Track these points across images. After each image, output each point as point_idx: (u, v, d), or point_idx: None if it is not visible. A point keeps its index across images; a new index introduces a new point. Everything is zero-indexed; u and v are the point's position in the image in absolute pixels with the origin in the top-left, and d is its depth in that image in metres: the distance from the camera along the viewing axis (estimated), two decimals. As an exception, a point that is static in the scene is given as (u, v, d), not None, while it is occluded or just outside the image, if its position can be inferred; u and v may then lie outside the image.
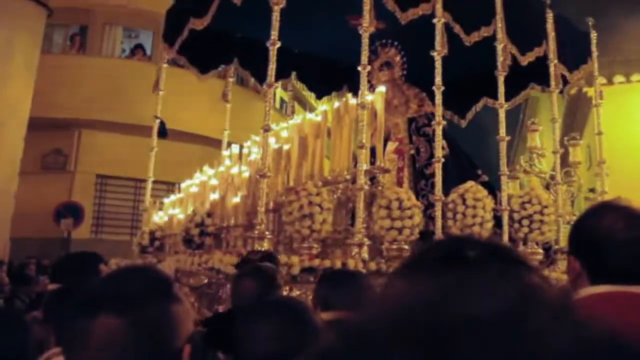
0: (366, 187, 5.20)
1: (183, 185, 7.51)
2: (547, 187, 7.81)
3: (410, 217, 5.13)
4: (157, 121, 7.85)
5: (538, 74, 7.52)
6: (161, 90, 7.84)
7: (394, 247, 5.21)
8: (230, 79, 8.90)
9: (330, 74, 8.50)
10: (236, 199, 5.34)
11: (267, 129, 5.07)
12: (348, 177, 5.36)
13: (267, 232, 4.82)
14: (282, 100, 15.52)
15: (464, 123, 9.09)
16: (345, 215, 5.54)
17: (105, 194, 13.55)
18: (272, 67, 5.22)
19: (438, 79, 5.94)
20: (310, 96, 10.52)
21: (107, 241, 12.62)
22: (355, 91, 6.24)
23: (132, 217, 13.12)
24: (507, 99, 8.44)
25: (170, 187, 10.12)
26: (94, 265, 3.40)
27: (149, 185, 7.83)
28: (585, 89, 11.84)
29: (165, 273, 1.39)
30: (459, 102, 8.91)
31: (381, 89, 5.78)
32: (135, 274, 1.32)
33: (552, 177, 7.72)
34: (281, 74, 8.98)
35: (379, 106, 5.52)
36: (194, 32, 6.83)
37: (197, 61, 8.10)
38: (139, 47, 14.53)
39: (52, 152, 13.12)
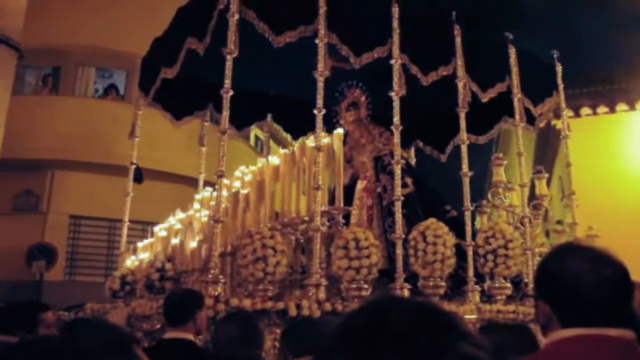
0: (323, 228, 5.23)
1: (156, 228, 7.53)
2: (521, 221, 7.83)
3: (368, 257, 5.14)
4: (133, 167, 7.86)
5: (510, 107, 7.56)
6: (137, 137, 7.85)
7: (353, 286, 5.22)
8: (206, 123, 8.91)
9: (305, 115, 8.60)
10: (193, 244, 5.36)
11: (220, 175, 5.11)
12: (307, 218, 5.40)
13: (220, 276, 4.83)
14: (257, 138, 15.59)
15: (443, 158, 9.18)
16: (305, 256, 5.56)
17: (79, 235, 13.43)
18: (225, 114, 5.28)
19: (396, 118, 6.01)
20: (287, 135, 10.60)
21: (81, 283, 12.49)
22: (329, 131, 6.36)
23: (107, 258, 13.00)
24: (482, 133, 8.64)
25: (145, 227, 10.07)
26: (32, 315, 3.30)
27: (125, 230, 7.77)
28: (554, 122, 12.03)
29: (124, 330, 1.37)
30: (436, 137, 9.06)
31: (339, 130, 5.87)
32: (93, 331, 1.30)
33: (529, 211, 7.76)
34: (256, 116, 9.15)
35: (337, 147, 5.59)
36: (168, 79, 6.90)
37: (171, 108, 8.19)
38: (112, 87, 14.59)
39: (23, 193, 13.03)
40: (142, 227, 10.91)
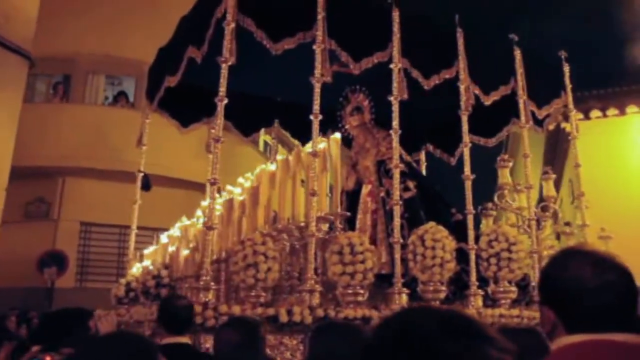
0: (318, 233, 5.21)
1: (162, 236, 7.57)
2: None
3: (362, 262, 5.12)
4: (140, 175, 7.91)
5: (518, 109, 7.48)
6: (144, 145, 7.88)
7: (349, 292, 5.20)
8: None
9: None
10: (186, 251, 5.37)
11: (213, 182, 5.11)
12: (303, 224, 5.39)
13: (212, 283, 4.82)
14: (266, 144, 15.61)
15: (453, 160, 9.12)
16: (302, 262, 5.54)
17: (89, 242, 13.51)
18: (219, 122, 5.30)
19: (395, 122, 5.98)
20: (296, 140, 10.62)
21: (91, 289, 12.54)
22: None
23: (117, 264, 13.04)
24: (490, 135, 8.58)
25: (155, 233, 10.09)
26: (81, 323, 3.28)
27: (133, 237, 7.80)
28: (563, 125, 11.92)
29: (149, 340, 1.39)
30: (446, 140, 9.01)
31: (336, 135, 5.85)
32: (120, 342, 1.32)
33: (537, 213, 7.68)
34: (263, 122, 9.18)
35: (335, 152, 5.58)
36: (175, 87, 6.91)
37: (178, 115, 8.24)
38: (121, 94, 14.70)
39: (35, 201, 13.13)
40: (153, 234, 10.95)
